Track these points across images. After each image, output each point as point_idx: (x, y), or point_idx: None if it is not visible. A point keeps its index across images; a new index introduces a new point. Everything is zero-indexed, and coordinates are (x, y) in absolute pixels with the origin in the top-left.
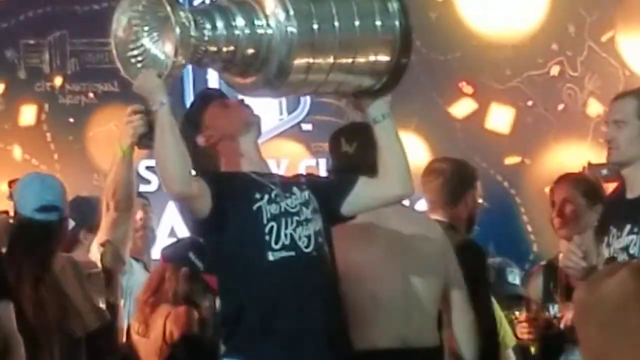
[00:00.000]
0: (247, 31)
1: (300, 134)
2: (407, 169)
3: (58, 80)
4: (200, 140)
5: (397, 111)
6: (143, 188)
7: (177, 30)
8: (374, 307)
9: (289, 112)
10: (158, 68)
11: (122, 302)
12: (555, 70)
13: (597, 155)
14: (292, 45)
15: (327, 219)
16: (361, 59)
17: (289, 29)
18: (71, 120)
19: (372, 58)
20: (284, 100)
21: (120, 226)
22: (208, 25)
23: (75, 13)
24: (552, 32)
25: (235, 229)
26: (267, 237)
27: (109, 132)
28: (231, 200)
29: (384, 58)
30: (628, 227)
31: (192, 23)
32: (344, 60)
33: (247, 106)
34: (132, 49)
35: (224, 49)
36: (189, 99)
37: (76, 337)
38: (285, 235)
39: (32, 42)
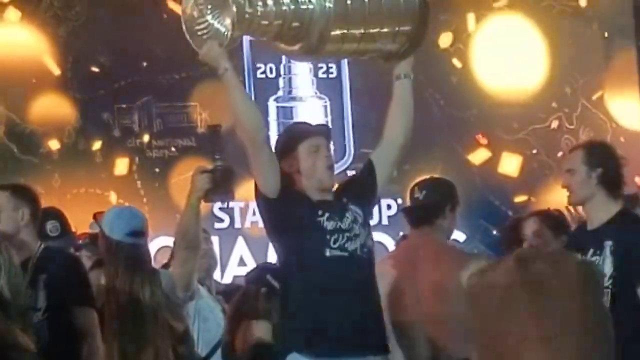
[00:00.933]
0: (292, 7)
1: (345, 179)
2: (411, 122)
3: (146, 137)
4: (285, 165)
5: (425, 158)
6: (217, 225)
7: (234, 7)
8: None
9: (336, 162)
10: (220, 39)
11: (192, 321)
12: (555, 124)
13: None
14: (330, 18)
15: (369, 219)
16: (387, 29)
17: (327, 4)
18: (157, 170)
19: (396, 28)
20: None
21: (190, 261)
22: (260, 3)
23: (159, 82)
24: (552, 92)
25: (297, 229)
26: (327, 237)
27: (188, 179)
28: (296, 210)
29: (406, 27)
30: (591, 251)
31: (247, 1)
32: (372, 30)
33: (331, 166)
34: (199, 24)
35: (274, 22)
36: None
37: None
38: (340, 243)
39: (124, 106)
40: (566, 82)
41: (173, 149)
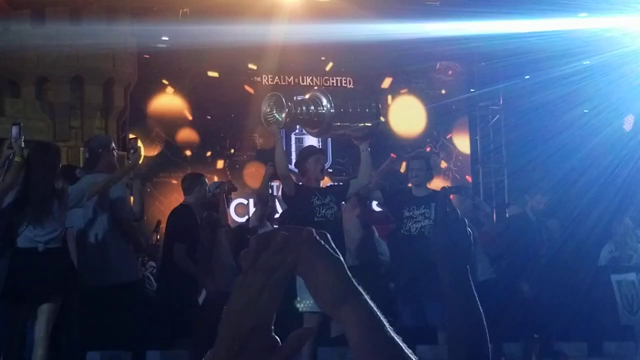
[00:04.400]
0: (314, 110)
1: (328, 174)
2: (370, 174)
3: (232, 150)
4: (301, 165)
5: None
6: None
7: (287, 109)
8: None
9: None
10: (278, 124)
11: None
12: (427, 149)
13: (445, 181)
14: (333, 117)
15: (340, 204)
16: (360, 124)
17: (332, 110)
18: (237, 166)
19: (365, 123)
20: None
21: (263, 208)
22: (299, 108)
23: (240, 124)
24: (427, 134)
25: (302, 207)
26: (315, 210)
27: (252, 171)
28: (302, 197)
29: (368, 124)
30: (422, 206)
31: (293, 106)
32: (352, 124)
33: (323, 169)
34: (269, 115)
35: (305, 117)
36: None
37: None
38: (322, 213)
39: (222, 135)
40: (434, 129)
41: (245, 156)
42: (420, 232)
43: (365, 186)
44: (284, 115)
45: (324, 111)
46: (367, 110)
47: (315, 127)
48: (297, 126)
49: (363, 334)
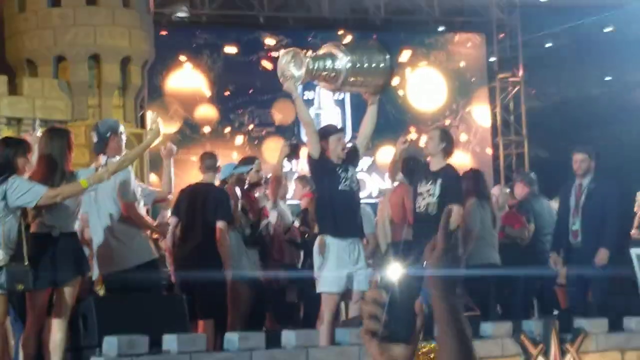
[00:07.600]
0: (331, 66)
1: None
2: (374, 127)
3: (251, 126)
4: (323, 143)
5: (385, 139)
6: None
7: (305, 65)
8: None
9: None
10: (295, 80)
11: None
12: (447, 122)
13: (465, 154)
14: (348, 73)
15: (357, 168)
16: (373, 79)
17: (347, 65)
18: (256, 142)
19: (379, 78)
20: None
21: (281, 189)
22: (317, 64)
23: (257, 100)
24: (446, 107)
25: (327, 172)
26: (341, 179)
27: (271, 146)
28: (327, 163)
29: (382, 78)
30: (431, 181)
31: (310, 62)
32: (367, 80)
33: (344, 148)
34: (285, 72)
35: (322, 73)
36: None
37: None
38: (347, 184)
39: (240, 111)
40: (453, 102)
41: (264, 132)
42: (425, 209)
43: (370, 137)
44: (302, 71)
45: (340, 67)
46: (381, 65)
47: (331, 82)
48: (316, 103)
49: None
